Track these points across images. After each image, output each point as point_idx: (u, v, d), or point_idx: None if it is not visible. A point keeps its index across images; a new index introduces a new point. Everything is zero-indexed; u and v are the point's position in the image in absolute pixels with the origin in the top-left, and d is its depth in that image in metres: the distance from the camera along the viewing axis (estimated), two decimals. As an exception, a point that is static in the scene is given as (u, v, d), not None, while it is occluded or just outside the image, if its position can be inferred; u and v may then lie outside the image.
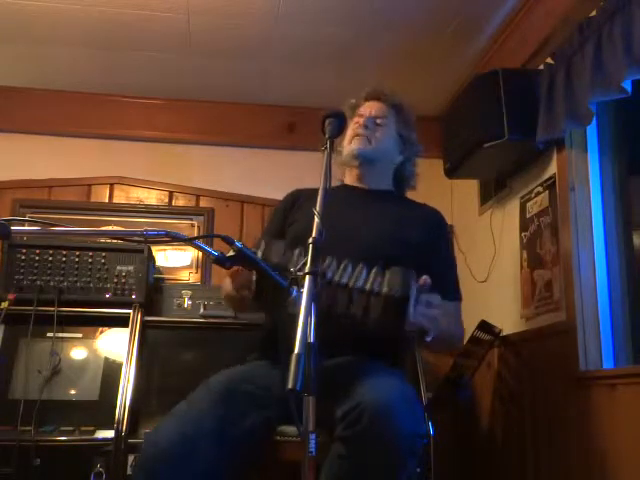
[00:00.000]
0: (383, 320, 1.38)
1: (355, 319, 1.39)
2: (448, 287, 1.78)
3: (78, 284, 2.50)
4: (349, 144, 1.91)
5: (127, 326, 2.42)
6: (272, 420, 1.57)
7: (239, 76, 3.15)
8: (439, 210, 1.97)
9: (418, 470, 1.99)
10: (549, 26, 2.42)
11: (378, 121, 1.93)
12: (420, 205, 1.97)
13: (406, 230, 1.79)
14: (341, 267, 1.43)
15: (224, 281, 1.76)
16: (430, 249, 1.79)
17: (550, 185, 2.42)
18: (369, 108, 1.96)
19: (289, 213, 1.92)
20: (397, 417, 1.32)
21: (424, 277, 1.42)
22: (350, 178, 1.97)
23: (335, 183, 2.00)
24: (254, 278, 1.40)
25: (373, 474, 1.34)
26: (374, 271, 1.43)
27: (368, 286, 1.39)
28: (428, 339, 1.40)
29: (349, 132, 1.92)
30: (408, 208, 1.93)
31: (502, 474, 2.62)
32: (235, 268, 1.42)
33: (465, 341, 2.60)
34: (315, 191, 1.93)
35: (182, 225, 3.26)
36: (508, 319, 2.63)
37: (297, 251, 1.41)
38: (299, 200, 1.94)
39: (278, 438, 1.59)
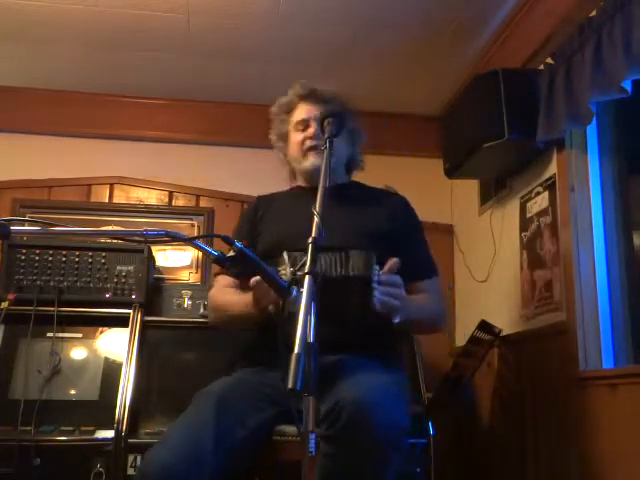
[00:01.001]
0: (356, 303, 1.51)
1: (330, 305, 1.39)
2: (423, 265, 1.85)
3: (78, 284, 2.50)
4: (303, 158, 1.88)
5: (127, 326, 2.42)
6: (270, 421, 1.56)
7: (239, 76, 3.15)
8: (400, 194, 1.98)
9: (418, 470, 2.00)
10: (549, 26, 2.42)
11: (325, 123, 1.82)
12: (380, 191, 1.98)
13: (371, 221, 1.81)
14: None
15: (232, 300, 1.74)
16: (398, 234, 1.80)
17: (550, 185, 2.42)
18: (310, 112, 1.90)
19: (255, 225, 1.91)
20: (376, 413, 1.32)
21: (392, 260, 1.49)
22: (304, 182, 1.96)
23: (282, 186, 2.04)
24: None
25: (357, 471, 1.33)
26: (338, 257, 1.55)
27: (340, 270, 1.53)
28: (396, 320, 1.45)
29: (296, 143, 1.90)
30: (368, 196, 1.93)
31: (502, 474, 2.62)
32: (255, 283, 1.44)
33: (465, 341, 2.61)
34: (272, 196, 2.00)
35: (182, 225, 3.26)
36: (508, 319, 2.63)
37: (285, 256, 1.47)
38: (261, 209, 1.94)
39: (278, 438, 1.59)
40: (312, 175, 1.86)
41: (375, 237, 1.75)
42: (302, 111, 1.92)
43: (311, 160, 1.86)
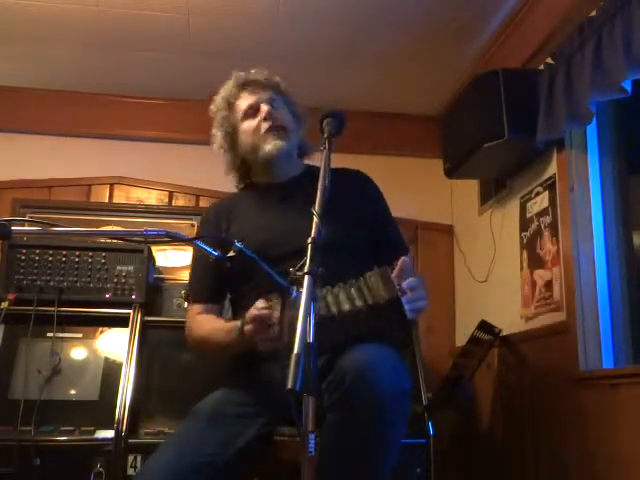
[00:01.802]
0: (385, 327, 1.40)
1: (367, 336, 1.39)
2: (397, 244, 1.80)
3: (78, 284, 2.50)
4: (264, 143, 1.72)
5: (127, 326, 2.42)
6: (264, 429, 1.55)
7: (239, 76, 3.15)
8: (358, 169, 1.87)
9: (418, 470, 1.99)
10: (549, 26, 2.42)
11: (275, 104, 1.77)
12: (339, 171, 1.73)
13: (339, 211, 1.59)
14: (328, 298, 1.40)
15: (212, 327, 1.64)
16: (369, 218, 1.75)
17: (550, 185, 2.42)
18: (254, 97, 1.77)
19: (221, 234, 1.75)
20: (379, 374, 1.31)
21: (401, 260, 1.42)
22: (262, 176, 1.82)
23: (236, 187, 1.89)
24: (276, 315, 1.33)
25: (362, 434, 1.32)
26: (351, 287, 1.41)
27: (359, 303, 1.38)
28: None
29: (251, 130, 1.74)
30: (336, 181, 1.71)
31: (502, 474, 2.62)
32: (256, 313, 1.37)
33: (465, 341, 2.61)
34: (224, 201, 1.88)
35: (182, 225, 3.26)
36: (508, 319, 2.63)
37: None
38: (222, 218, 1.79)
39: (278, 438, 1.59)
40: (276, 161, 1.74)
41: (347, 226, 1.65)
42: (246, 99, 1.78)
43: (273, 143, 1.71)
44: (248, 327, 1.40)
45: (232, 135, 1.82)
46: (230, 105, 1.81)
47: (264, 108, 1.75)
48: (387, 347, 1.44)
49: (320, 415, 1.35)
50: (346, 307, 1.39)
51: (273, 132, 1.73)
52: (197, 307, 1.74)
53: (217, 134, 1.86)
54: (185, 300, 1.83)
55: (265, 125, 1.73)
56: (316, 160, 1.80)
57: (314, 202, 1.43)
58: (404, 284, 1.39)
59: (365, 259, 1.59)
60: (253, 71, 1.83)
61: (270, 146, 1.72)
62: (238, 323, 1.46)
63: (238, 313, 1.69)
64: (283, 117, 1.77)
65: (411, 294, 1.39)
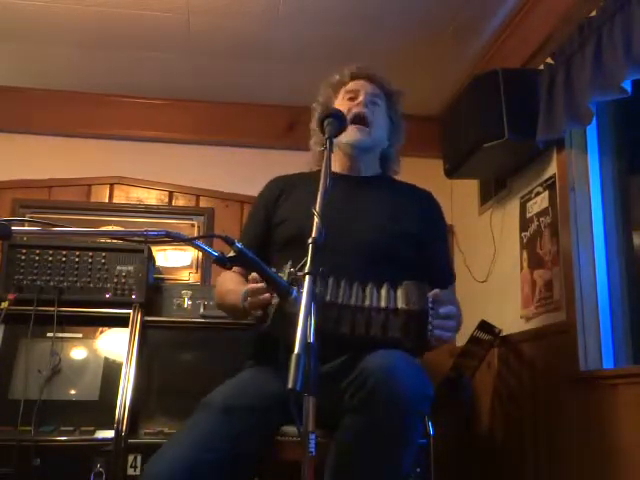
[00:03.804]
0: (403, 337, 1.38)
1: (375, 340, 1.38)
2: (446, 272, 1.82)
3: (78, 284, 2.50)
4: (346, 130, 1.65)
5: (127, 326, 2.42)
6: (275, 424, 1.55)
7: (239, 76, 3.15)
8: (430, 191, 1.92)
9: (418, 470, 1.99)
10: (549, 26, 2.42)
11: (376, 100, 1.80)
12: (411, 187, 1.90)
13: (404, 221, 1.73)
14: (353, 290, 1.41)
15: (229, 288, 1.67)
16: (427, 237, 1.75)
17: (550, 185, 2.42)
18: (362, 87, 1.81)
19: (273, 210, 1.78)
20: (402, 378, 1.31)
21: (435, 291, 1.42)
22: (340, 165, 1.83)
23: (311, 168, 1.90)
24: (274, 302, 1.35)
25: (383, 437, 1.31)
26: (385, 288, 1.42)
27: (383, 303, 1.39)
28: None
29: (343, 109, 1.68)
30: (401, 193, 1.84)
31: (502, 474, 2.62)
32: (255, 286, 1.39)
33: (465, 341, 2.61)
34: (296, 177, 1.87)
35: (182, 225, 3.27)
36: (508, 319, 2.63)
37: (289, 264, 1.34)
38: (283, 194, 1.80)
39: (278, 438, 1.58)
40: (351, 152, 1.77)
41: (406, 238, 1.69)
42: (354, 85, 1.82)
43: (353, 133, 1.73)
44: (248, 301, 1.43)
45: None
46: (337, 87, 1.85)
47: (361, 98, 1.77)
48: (408, 355, 1.44)
49: (338, 415, 1.36)
50: (367, 302, 1.39)
51: (357, 122, 1.74)
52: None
53: (316, 109, 1.87)
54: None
55: (354, 111, 1.75)
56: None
57: (383, 207, 1.56)
58: (441, 309, 1.40)
59: (410, 273, 1.56)
60: (372, 69, 1.86)
61: (349, 136, 1.72)
62: (243, 291, 1.48)
63: None
64: (375, 114, 1.78)
65: (441, 321, 1.40)
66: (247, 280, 1.50)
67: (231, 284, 1.70)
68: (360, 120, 1.76)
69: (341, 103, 1.80)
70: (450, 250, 1.92)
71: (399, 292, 1.40)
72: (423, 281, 1.44)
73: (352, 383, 1.34)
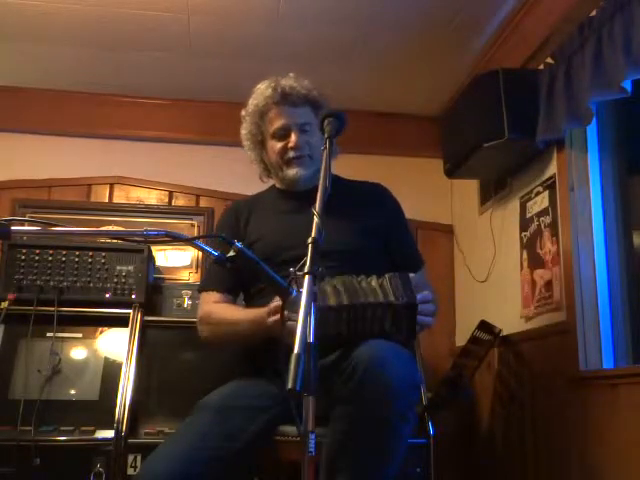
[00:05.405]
0: (396, 331, 1.41)
1: (373, 334, 1.40)
2: (413, 257, 1.85)
3: (78, 284, 2.50)
4: (286, 167, 1.78)
5: (127, 326, 2.43)
6: (273, 423, 1.56)
7: (239, 76, 3.14)
8: (379, 182, 1.92)
9: (418, 470, 1.99)
10: (549, 26, 2.42)
11: (306, 128, 1.78)
12: (362, 184, 1.91)
13: (364, 217, 1.76)
14: (344, 285, 1.42)
15: (236, 317, 1.65)
16: (389, 228, 1.80)
17: (550, 185, 2.42)
18: (289, 118, 1.77)
19: (237, 232, 1.78)
20: (391, 367, 1.33)
21: (412, 275, 1.47)
22: (285, 185, 1.86)
23: (256, 186, 1.94)
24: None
25: (373, 425, 1.32)
26: (375, 281, 1.44)
27: (372, 299, 1.40)
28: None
29: (277, 152, 1.77)
30: (354, 191, 1.85)
31: (502, 474, 2.62)
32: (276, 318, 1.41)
33: (465, 341, 2.61)
34: (246, 200, 1.93)
35: (182, 225, 3.26)
36: (508, 319, 2.63)
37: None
38: (243, 215, 1.84)
39: (278, 438, 1.59)
40: (297, 183, 1.80)
41: (370, 235, 1.74)
42: (280, 117, 1.78)
43: (295, 170, 1.77)
44: (273, 318, 1.45)
45: (261, 143, 1.85)
46: (262, 115, 1.81)
47: (293, 137, 1.77)
48: (397, 344, 1.45)
49: (330, 405, 1.37)
50: (361, 299, 1.40)
51: (296, 161, 1.77)
52: (215, 295, 1.76)
53: (246, 135, 1.88)
54: (200, 289, 1.86)
55: (291, 154, 1.77)
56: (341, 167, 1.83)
57: (343, 211, 1.55)
58: (418, 296, 1.42)
59: (380, 266, 1.59)
60: (292, 79, 1.81)
61: (292, 173, 1.79)
62: (263, 313, 1.49)
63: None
64: (311, 144, 1.78)
65: (421, 306, 1.42)
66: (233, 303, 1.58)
67: (233, 311, 1.70)
68: (299, 157, 1.77)
69: (274, 144, 1.79)
70: (413, 236, 1.95)
71: (385, 285, 1.42)
72: (403, 271, 1.47)
73: (342, 374, 1.36)
